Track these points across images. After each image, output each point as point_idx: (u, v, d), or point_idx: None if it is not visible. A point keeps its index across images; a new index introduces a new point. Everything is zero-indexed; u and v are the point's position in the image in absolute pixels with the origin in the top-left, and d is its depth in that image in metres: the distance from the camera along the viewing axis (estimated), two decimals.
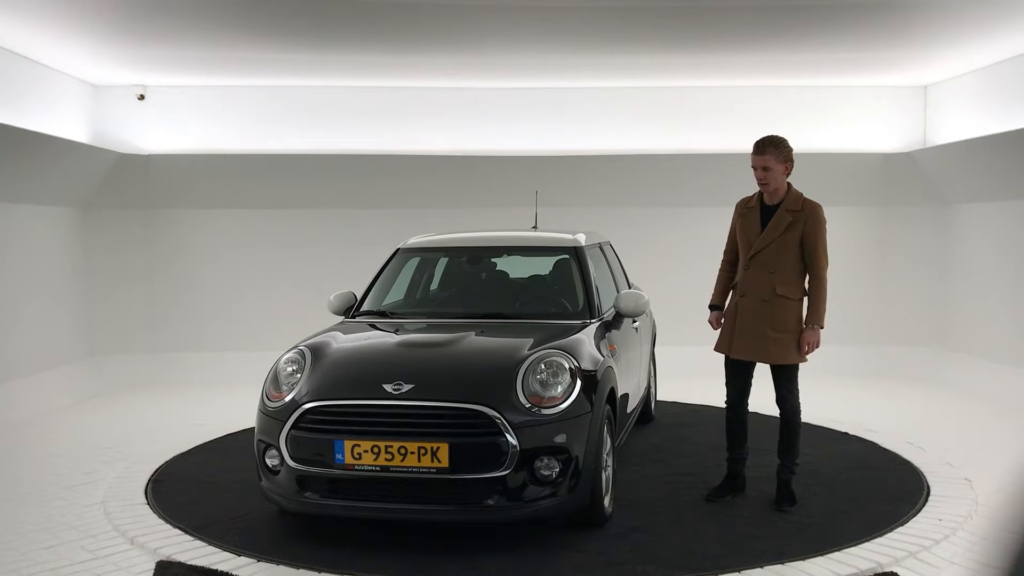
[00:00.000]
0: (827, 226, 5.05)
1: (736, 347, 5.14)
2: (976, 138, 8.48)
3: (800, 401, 5.14)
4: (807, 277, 5.06)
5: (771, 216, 5.07)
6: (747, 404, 5.32)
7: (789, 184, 5.11)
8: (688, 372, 8.89)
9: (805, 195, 5.09)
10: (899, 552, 4.42)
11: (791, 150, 5.05)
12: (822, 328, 4.98)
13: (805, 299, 5.08)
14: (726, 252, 5.43)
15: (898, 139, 9.98)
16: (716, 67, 8.89)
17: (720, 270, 5.46)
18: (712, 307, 5.44)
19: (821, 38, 7.66)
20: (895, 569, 4.24)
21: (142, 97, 9.63)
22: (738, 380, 5.26)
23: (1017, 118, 8.18)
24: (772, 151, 4.99)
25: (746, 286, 5.10)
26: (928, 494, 5.36)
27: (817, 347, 5.01)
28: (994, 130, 8.40)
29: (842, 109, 9.98)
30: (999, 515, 4.89)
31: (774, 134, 5.10)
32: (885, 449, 6.42)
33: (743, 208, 5.26)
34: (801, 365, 5.11)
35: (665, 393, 8.23)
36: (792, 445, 5.14)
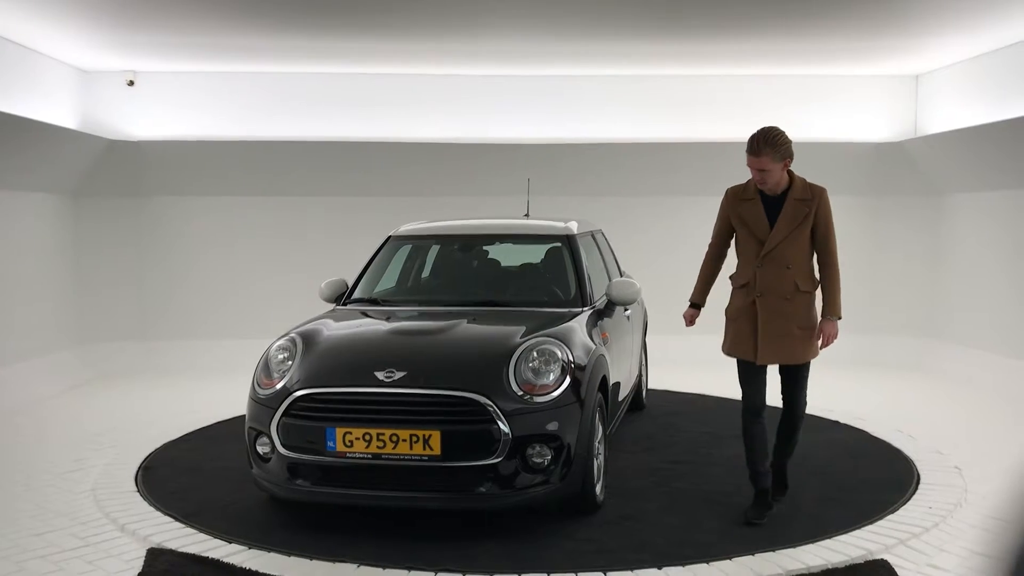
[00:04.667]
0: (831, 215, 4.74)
1: (764, 352, 4.66)
2: (967, 128, 8.49)
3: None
4: (816, 267, 4.75)
5: (775, 207, 4.67)
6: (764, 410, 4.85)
7: (790, 172, 4.70)
8: (679, 361, 8.90)
9: (808, 182, 4.73)
10: (889, 540, 4.43)
11: (789, 144, 4.60)
12: (840, 319, 4.68)
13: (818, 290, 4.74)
14: (713, 245, 4.99)
15: (889, 128, 9.99)
16: (708, 56, 8.87)
17: (704, 264, 5.03)
18: (693, 304, 5.07)
19: (813, 27, 7.65)
20: (885, 556, 4.26)
21: (131, 83, 9.56)
22: (759, 386, 4.75)
23: (1008, 108, 8.20)
24: (768, 152, 4.53)
25: (763, 285, 4.66)
26: (918, 482, 5.38)
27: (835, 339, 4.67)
28: (985, 120, 8.41)
29: (834, 98, 9.98)
30: (1000, 508, 4.87)
31: (769, 128, 4.61)
32: (876, 438, 6.44)
33: (739, 199, 4.79)
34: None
35: (656, 382, 8.23)
36: (792, 438, 4.93)
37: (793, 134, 4.87)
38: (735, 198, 4.82)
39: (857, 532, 4.49)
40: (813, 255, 4.73)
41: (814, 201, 4.65)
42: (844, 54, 8.79)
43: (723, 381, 8.26)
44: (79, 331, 9.19)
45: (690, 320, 5.09)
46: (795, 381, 4.78)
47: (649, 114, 9.91)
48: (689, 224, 9.97)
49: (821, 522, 4.65)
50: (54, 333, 8.75)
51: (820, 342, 4.67)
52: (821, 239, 4.68)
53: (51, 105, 8.82)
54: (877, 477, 5.48)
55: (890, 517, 4.75)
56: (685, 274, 9.75)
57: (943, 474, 5.55)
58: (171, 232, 9.75)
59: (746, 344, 4.72)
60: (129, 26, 7.64)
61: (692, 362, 9.06)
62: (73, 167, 8.89)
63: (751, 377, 4.76)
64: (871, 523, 4.65)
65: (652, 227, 9.97)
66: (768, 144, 4.55)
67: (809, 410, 6.15)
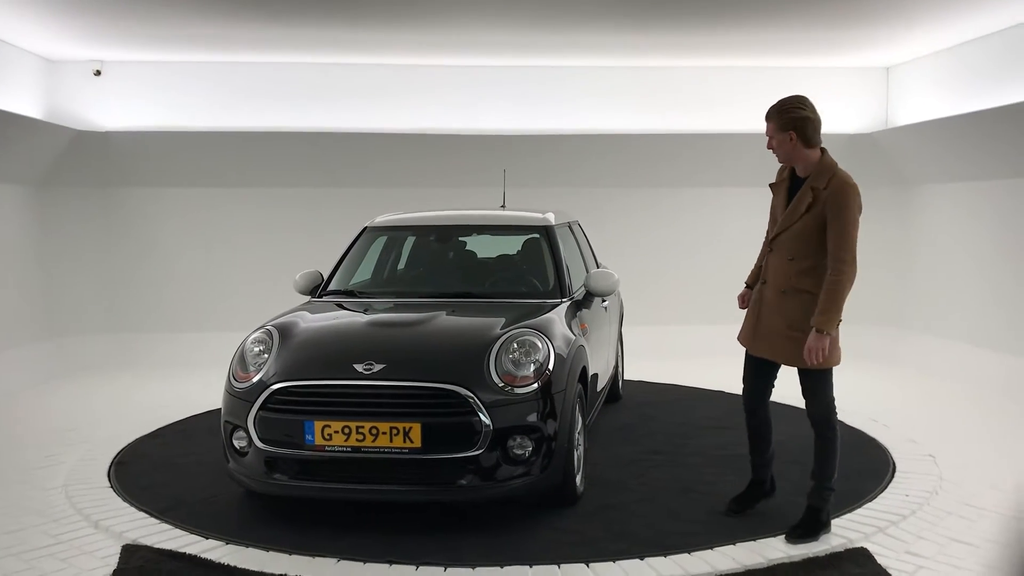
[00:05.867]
0: (852, 213, 4.16)
1: (756, 343, 4.44)
2: (937, 119, 8.57)
3: (834, 408, 4.35)
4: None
5: (797, 191, 4.31)
6: (767, 405, 4.61)
7: (823, 151, 4.27)
8: (654, 352, 8.92)
9: (837, 171, 4.23)
10: (868, 528, 4.47)
11: (801, 114, 4.23)
12: (827, 334, 4.11)
13: None
14: (768, 229, 4.61)
15: (860, 120, 10.05)
16: (681, 47, 8.87)
17: (761, 248, 4.66)
18: (747, 285, 4.73)
19: (784, 18, 7.66)
20: (865, 545, 4.29)
21: (98, 73, 9.40)
22: (756, 379, 4.56)
23: (978, 99, 8.28)
24: (773, 119, 4.26)
25: (767, 273, 4.40)
26: (894, 470, 5.43)
27: (823, 356, 4.11)
28: (955, 111, 8.48)
29: (805, 90, 9.77)
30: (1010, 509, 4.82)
31: (789, 96, 4.32)
32: (850, 427, 6.47)
33: (778, 179, 4.49)
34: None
35: (631, 372, 8.24)
36: (823, 462, 4.34)
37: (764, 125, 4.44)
38: (777, 177, 4.51)
39: (836, 520, 4.51)
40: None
41: (827, 191, 4.17)
42: (816, 45, 8.82)
43: (697, 371, 8.32)
44: (47, 325, 9.02)
45: (741, 302, 4.70)
46: (803, 388, 4.35)
47: (623, 106, 9.89)
48: (664, 216, 10.00)
49: (800, 511, 4.64)
50: (21, 327, 8.58)
51: (805, 355, 4.18)
52: (830, 237, 4.16)
53: (16, 95, 8.64)
54: (854, 466, 5.49)
55: (868, 505, 4.79)
56: (660, 265, 9.90)
57: (918, 462, 5.60)
58: (140, 224, 9.61)
59: (747, 333, 4.51)
60: (96, 14, 7.49)
61: (667, 353, 9.11)
62: (39, 158, 8.72)
63: (747, 369, 4.58)
64: (849, 511, 4.68)
65: (627, 218, 9.98)
66: (776, 110, 4.27)
67: (784, 400, 6.03)
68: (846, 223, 4.14)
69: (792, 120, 4.23)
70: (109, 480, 5.35)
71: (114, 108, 9.50)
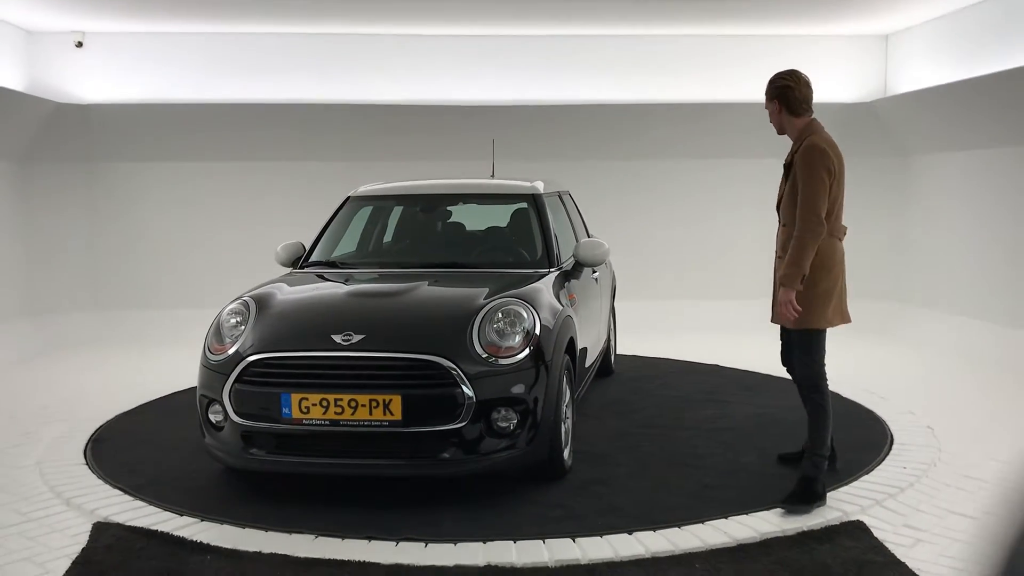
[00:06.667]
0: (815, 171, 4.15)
1: (773, 310, 4.46)
2: (936, 87, 8.39)
3: (824, 374, 4.34)
4: None
5: None
6: None
7: (812, 121, 4.35)
8: (648, 326, 8.77)
9: (811, 135, 4.28)
10: (865, 501, 4.33)
11: (783, 87, 4.34)
12: (791, 289, 4.16)
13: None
14: None
15: (858, 89, 9.87)
16: (676, 15, 8.67)
17: None
18: None
19: None
20: (862, 518, 4.15)
21: (80, 44, 9.20)
22: (784, 346, 4.66)
23: (977, 66, 8.09)
24: (767, 90, 4.39)
25: (778, 240, 4.47)
26: (892, 443, 5.30)
27: (792, 311, 4.16)
28: (954, 79, 8.30)
29: (802, 58, 9.77)
30: (996, 500, 4.68)
31: (784, 70, 4.44)
32: (847, 399, 6.33)
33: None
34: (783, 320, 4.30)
35: (625, 347, 8.09)
36: (814, 430, 4.32)
37: (762, 95, 4.50)
38: None
39: (833, 493, 4.37)
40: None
41: (797, 155, 4.24)
42: (813, 14, 8.63)
43: (692, 346, 8.18)
44: (29, 301, 8.86)
45: None
46: (793, 348, 4.45)
47: (615, 75, 9.70)
48: (658, 187, 9.82)
49: (793, 485, 4.53)
50: (3, 303, 8.42)
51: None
52: (798, 197, 4.20)
53: None
54: (850, 438, 5.35)
55: (865, 478, 4.65)
56: (656, 239, 9.73)
57: (916, 434, 5.47)
58: (123, 199, 9.44)
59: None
60: None
61: (661, 327, 8.96)
62: (19, 131, 8.53)
63: (781, 336, 4.64)
64: (846, 484, 4.54)
65: (621, 191, 9.80)
66: (768, 81, 4.41)
67: (780, 372, 5.91)
68: (808, 182, 4.16)
69: (776, 90, 4.37)
70: (85, 457, 5.21)
71: (96, 80, 9.30)
